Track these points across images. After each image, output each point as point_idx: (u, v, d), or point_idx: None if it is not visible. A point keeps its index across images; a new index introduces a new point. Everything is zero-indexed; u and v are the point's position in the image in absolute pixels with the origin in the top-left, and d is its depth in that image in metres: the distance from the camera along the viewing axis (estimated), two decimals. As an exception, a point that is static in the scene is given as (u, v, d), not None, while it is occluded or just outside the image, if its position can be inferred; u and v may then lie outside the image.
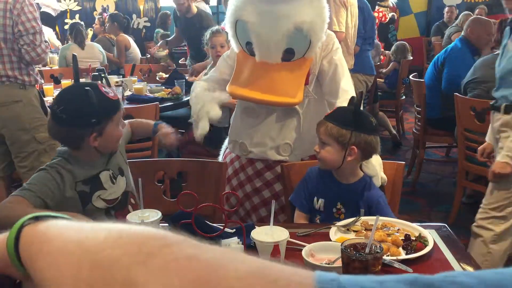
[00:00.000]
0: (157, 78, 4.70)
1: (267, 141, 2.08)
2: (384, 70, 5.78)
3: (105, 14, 7.17)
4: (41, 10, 7.52)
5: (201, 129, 2.08)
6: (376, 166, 1.81)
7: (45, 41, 2.90)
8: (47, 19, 7.23)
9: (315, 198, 1.77)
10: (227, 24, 2.05)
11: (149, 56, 6.15)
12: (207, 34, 3.48)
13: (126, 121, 1.83)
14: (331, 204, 1.74)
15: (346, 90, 1.97)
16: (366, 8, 4.16)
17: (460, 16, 6.59)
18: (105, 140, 1.62)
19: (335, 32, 3.17)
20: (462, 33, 4.05)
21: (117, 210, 1.69)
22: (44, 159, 2.89)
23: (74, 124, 1.57)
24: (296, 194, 1.82)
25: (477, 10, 7.57)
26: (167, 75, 4.58)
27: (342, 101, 1.91)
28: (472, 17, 4.34)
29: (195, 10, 4.71)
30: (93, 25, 7.62)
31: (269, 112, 2.06)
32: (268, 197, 2.08)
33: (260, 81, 1.94)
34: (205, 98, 2.10)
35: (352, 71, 4.08)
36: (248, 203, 2.16)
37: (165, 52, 5.98)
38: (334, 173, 1.76)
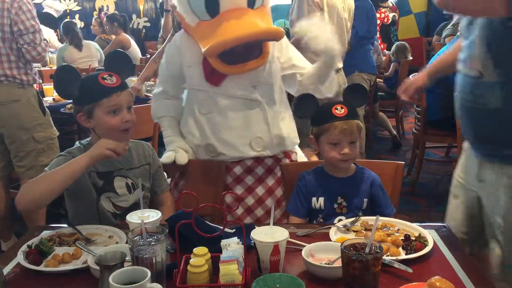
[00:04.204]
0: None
1: (236, 138, 1.95)
2: (386, 74, 5.78)
3: (102, 15, 7.18)
4: (43, 11, 7.52)
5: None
6: None
7: (44, 40, 2.90)
8: (49, 20, 7.22)
9: (314, 199, 1.77)
10: None
11: (148, 56, 6.15)
12: None
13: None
14: (332, 201, 1.75)
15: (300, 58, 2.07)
16: (370, 8, 4.20)
17: (456, 17, 6.58)
18: (98, 126, 1.68)
19: None
20: (458, 34, 4.07)
21: (122, 218, 1.70)
22: (43, 158, 2.89)
23: (69, 98, 1.80)
24: (291, 202, 1.82)
25: None
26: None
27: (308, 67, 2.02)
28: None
29: None
30: (91, 27, 7.62)
31: (228, 104, 1.93)
32: (252, 204, 1.99)
33: (235, 23, 1.77)
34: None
35: (358, 70, 4.12)
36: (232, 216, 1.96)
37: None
38: (330, 169, 1.79)
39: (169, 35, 4.13)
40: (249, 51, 1.87)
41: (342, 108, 1.71)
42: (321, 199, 1.76)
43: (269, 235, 1.28)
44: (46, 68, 5.56)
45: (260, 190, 2.00)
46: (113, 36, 6.31)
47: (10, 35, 2.75)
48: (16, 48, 2.78)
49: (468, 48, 1.44)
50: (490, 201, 1.48)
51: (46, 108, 2.99)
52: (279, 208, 2.01)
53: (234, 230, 1.45)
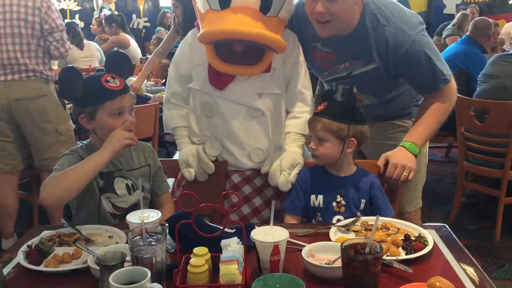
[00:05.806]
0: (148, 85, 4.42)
1: (236, 147, 1.90)
2: None
3: (102, 14, 7.18)
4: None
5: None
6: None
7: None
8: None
9: (313, 197, 1.77)
10: None
11: (148, 56, 6.15)
12: None
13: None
14: (331, 199, 1.75)
15: (303, 91, 1.94)
16: None
17: (457, 16, 6.58)
18: (100, 128, 1.69)
19: None
20: (468, 33, 4.15)
21: (121, 219, 1.71)
22: (62, 149, 2.95)
23: (71, 100, 1.77)
24: (288, 199, 1.82)
25: (469, 9, 7.55)
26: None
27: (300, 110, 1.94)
28: (477, 18, 4.45)
29: None
30: (91, 26, 7.63)
31: (231, 110, 1.87)
32: (248, 213, 1.92)
33: (237, 17, 1.71)
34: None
35: None
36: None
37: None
38: (330, 167, 1.78)
39: (169, 32, 4.17)
40: (248, 55, 1.81)
41: (323, 105, 1.75)
42: (320, 197, 1.76)
43: (269, 235, 1.28)
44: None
45: (257, 201, 1.93)
46: (110, 37, 6.32)
47: (40, 32, 2.90)
48: (44, 45, 2.94)
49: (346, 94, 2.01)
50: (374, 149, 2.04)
51: (65, 102, 3.12)
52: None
53: (234, 230, 1.45)
